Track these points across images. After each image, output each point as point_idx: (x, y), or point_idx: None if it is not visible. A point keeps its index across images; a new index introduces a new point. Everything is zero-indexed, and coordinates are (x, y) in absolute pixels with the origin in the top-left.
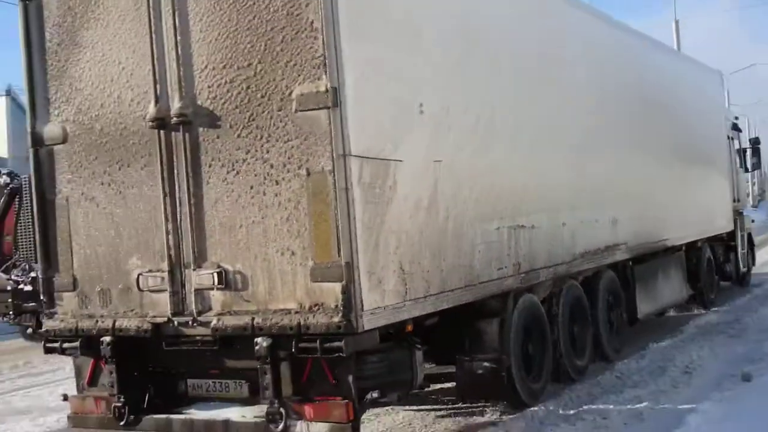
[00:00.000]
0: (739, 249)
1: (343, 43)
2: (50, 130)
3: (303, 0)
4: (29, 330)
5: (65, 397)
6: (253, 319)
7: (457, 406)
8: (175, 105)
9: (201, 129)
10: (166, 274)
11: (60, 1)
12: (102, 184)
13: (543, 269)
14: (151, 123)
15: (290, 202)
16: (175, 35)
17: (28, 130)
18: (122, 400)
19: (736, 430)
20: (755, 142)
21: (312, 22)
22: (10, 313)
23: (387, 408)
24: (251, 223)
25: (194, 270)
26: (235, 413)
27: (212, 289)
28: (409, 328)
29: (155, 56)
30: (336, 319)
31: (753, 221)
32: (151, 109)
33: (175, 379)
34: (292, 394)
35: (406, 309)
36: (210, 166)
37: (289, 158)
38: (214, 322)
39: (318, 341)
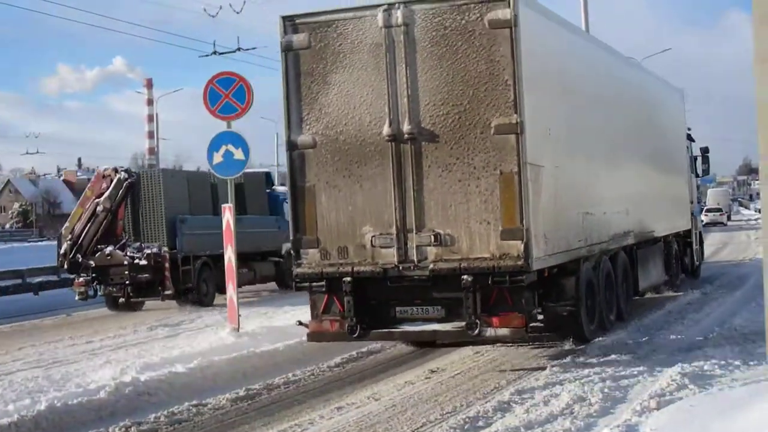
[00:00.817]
0: (694, 245)
1: (524, 94)
2: (303, 139)
3: (501, 66)
4: (121, 300)
5: (300, 323)
6: (459, 263)
7: (534, 343)
8: (405, 127)
9: (423, 143)
10: (393, 236)
11: (314, 53)
12: (343, 176)
13: (596, 245)
14: (386, 138)
15: (487, 191)
16: (406, 81)
17: (284, 139)
18: (354, 320)
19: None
20: (705, 151)
21: (506, 80)
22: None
23: (494, 345)
24: (458, 204)
25: (416, 233)
26: (435, 327)
27: (429, 245)
28: (546, 274)
29: (389, 94)
30: (519, 263)
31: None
32: (386, 129)
33: (387, 308)
34: (482, 312)
35: (546, 261)
36: (429, 167)
37: (487, 163)
38: (431, 266)
39: (507, 276)
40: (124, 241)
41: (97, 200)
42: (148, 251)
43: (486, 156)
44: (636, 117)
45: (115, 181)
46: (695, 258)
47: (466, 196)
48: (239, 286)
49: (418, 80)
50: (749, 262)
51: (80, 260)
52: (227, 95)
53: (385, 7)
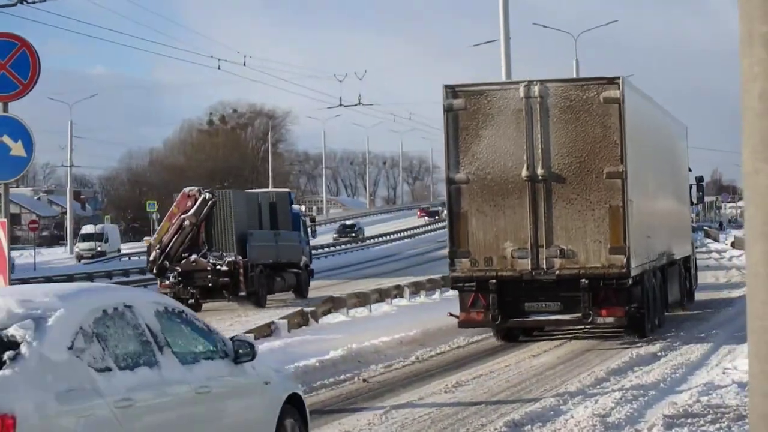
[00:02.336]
0: (692, 270)
1: (627, 150)
2: (459, 177)
3: (612, 130)
4: (191, 301)
5: (451, 314)
6: (579, 270)
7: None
8: (539, 171)
9: (552, 183)
10: (528, 250)
11: (469, 114)
12: (489, 205)
13: (652, 262)
14: (524, 178)
15: (600, 219)
16: (540, 137)
17: (445, 176)
18: (497, 311)
19: None
20: (699, 180)
21: (615, 141)
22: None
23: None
24: (577, 227)
25: (545, 248)
26: (557, 317)
27: (555, 257)
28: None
29: (527, 146)
30: (623, 271)
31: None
32: (524, 172)
33: (519, 303)
34: (594, 305)
35: (636, 270)
36: (556, 201)
37: (600, 199)
38: (557, 272)
39: (614, 280)
40: (204, 250)
41: (183, 216)
42: (228, 259)
43: (599, 194)
44: (666, 156)
45: (200, 200)
46: (693, 281)
47: (584, 222)
48: (275, 292)
49: (549, 137)
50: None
51: (167, 266)
52: (3, 66)
53: (526, 83)
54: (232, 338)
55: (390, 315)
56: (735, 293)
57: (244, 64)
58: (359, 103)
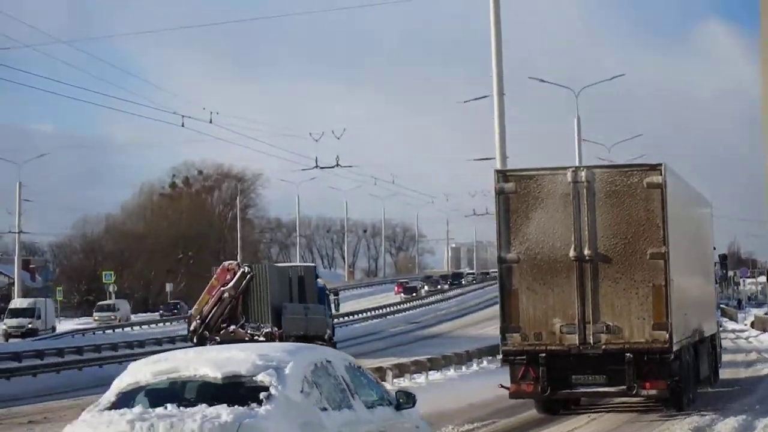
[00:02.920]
0: (718, 348)
1: (669, 232)
2: (510, 256)
3: (655, 214)
4: None
5: (501, 386)
6: (623, 345)
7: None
8: (586, 251)
9: (599, 263)
10: (576, 326)
11: (519, 197)
12: (539, 283)
13: (687, 338)
14: (572, 258)
15: (643, 296)
16: (588, 218)
17: (498, 255)
18: (546, 383)
19: None
20: (723, 258)
21: (658, 224)
22: None
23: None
24: (622, 305)
25: (592, 324)
26: (603, 389)
27: (602, 333)
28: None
29: (575, 228)
30: (666, 346)
31: None
32: (572, 252)
33: (566, 376)
34: (638, 378)
35: (677, 345)
36: (602, 279)
37: (644, 278)
38: (604, 347)
39: (657, 355)
40: (242, 321)
41: (222, 288)
42: (266, 330)
43: (643, 273)
44: (697, 235)
45: (239, 274)
46: (718, 359)
47: (629, 300)
48: None
49: (595, 219)
50: None
51: (207, 336)
52: None
53: (573, 169)
54: (396, 391)
55: None
56: (761, 371)
57: (210, 122)
58: (337, 165)
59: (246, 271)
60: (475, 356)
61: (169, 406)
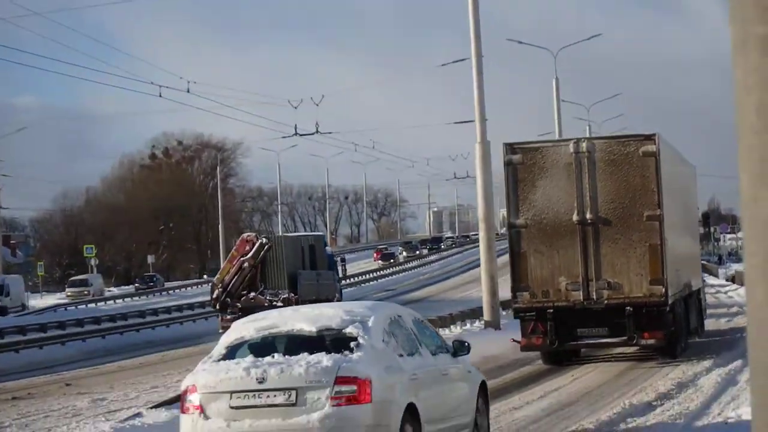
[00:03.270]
0: (703, 301)
1: (663, 196)
2: (519, 222)
3: (649, 180)
4: None
5: (513, 340)
6: (624, 300)
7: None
8: (588, 215)
9: (599, 225)
10: (580, 283)
11: (525, 167)
12: (545, 246)
13: (679, 292)
14: (575, 222)
15: (641, 255)
16: (589, 185)
17: (507, 221)
18: (554, 336)
19: None
20: (706, 217)
21: (653, 189)
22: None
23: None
24: (622, 263)
25: (594, 281)
26: (606, 340)
27: (603, 289)
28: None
29: (577, 194)
30: (662, 299)
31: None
32: (575, 216)
33: (572, 329)
34: (637, 329)
35: (671, 299)
36: (603, 241)
37: (641, 238)
38: (606, 302)
39: (654, 308)
40: (261, 288)
41: (242, 258)
42: (283, 296)
43: (640, 234)
44: (684, 197)
45: (257, 244)
46: (704, 312)
47: (627, 258)
48: None
49: (596, 186)
50: None
51: (229, 302)
52: None
53: (575, 140)
54: (453, 340)
55: None
56: (742, 323)
57: (188, 91)
58: (317, 132)
59: (264, 242)
60: (458, 319)
61: (276, 355)
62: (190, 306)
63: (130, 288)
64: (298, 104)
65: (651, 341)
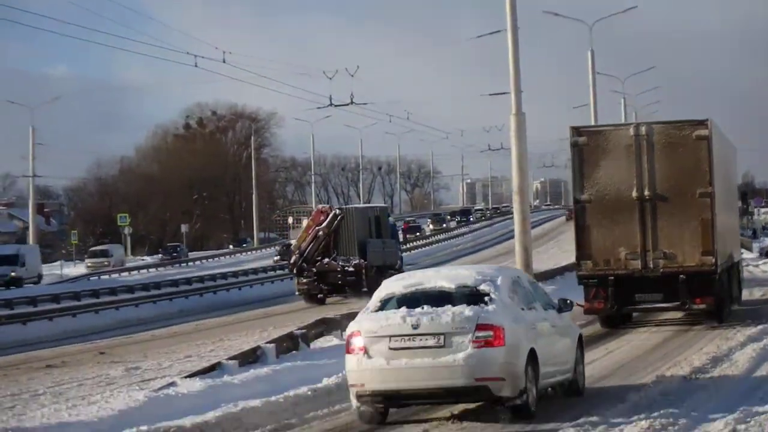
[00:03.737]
0: (742, 272)
1: (714, 175)
2: (584, 197)
3: (702, 160)
4: (320, 296)
5: (577, 303)
6: (678, 268)
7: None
8: (646, 192)
9: (657, 201)
10: (638, 253)
11: (590, 148)
12: (607, 219)
13: (726, 262)
14: (635, 198)
15: (694, 228)
16: (647, 165)
17: (573, 197)
18: (614, 301)
19: None
20: (744, 194)
21: (705, 169)
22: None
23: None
24: (677, 236)
25: (651, 252)
26: (661, 305)
27: (660, 258)
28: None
29: (637, 173)
30: (712, 268)
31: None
32: (634, 193)
33: (630, 295)
34: (689, 295)
35: (720, 268)
36: (660, 215)
37: (693, 214)
38: (662, 270)
39: (707, 276)
40: (334, 255)
41: (317, 227)
42: (354, 262)
43: (693, 210)
44: (728, 177)
45: (331, 215)
46: (742, 282)
47: (681, 231)
48: None
49: (654, 166)
50: None
51: (305, 267)
52: None
53: (635, 125)
54: (558, 299)
55: None
56: None
57: (224, 61)
58: (351, 102)
59: (337, 213)
60: None
61: (425, 306)
62: (223, 275)
63: (155, 259)
64: (333, 75)
65: (702, 306)
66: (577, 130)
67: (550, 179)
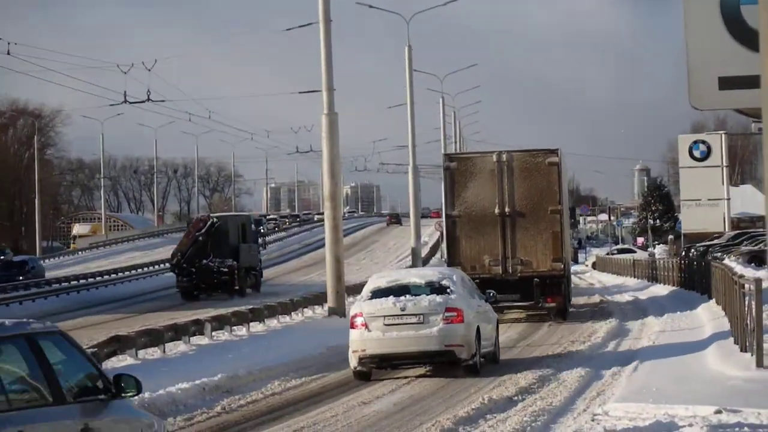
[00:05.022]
0: (571, 279)
1: (563, 196)
2: (454, 213)
3: (553, 183)
4: (195, 293)
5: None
6: (533, 273)
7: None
8: (506, 209)
9: (516, 217)
10: (499, 260)
11: (459, 172)
12: (474, 232)
13: (568, 267)
14: (497, 214)
15: (546, 240)
16: (508, 186)
17: (445, 213)
18: None
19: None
20: (572, 210)
21: (556, 190)
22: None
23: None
24: (531, 246)
25: (510, 259)
26: (518, 303)
27: (518, 265)
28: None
29: (498, 193)
30: (561, 273)
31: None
32: (497, 210)
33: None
34: (542, 295)
35: (567, 272)
36: (518, 228)
37: (546, 227)
38: (519, 275)
39: (557, 278)
40: (211, 257)
41: (197, 233)
42: (228, 263)
43: (545, 223)
44: (567, 195)
45: (209, 223)
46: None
47: (536, 242)
48: (251, 286)
49: (514, 187)
50: None
51: (185, 267)
52: None
53: (497, 152)
54: (485, 291)
55: (189, 356)
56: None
57: (8, 53)
58: (148, 99)
59: (214, 221)
60: (301, 305)
61: (407, 295)
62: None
63: None
64: (128, 69)
65: (553, 304)
66: (449, 157)
67: (362, 184)
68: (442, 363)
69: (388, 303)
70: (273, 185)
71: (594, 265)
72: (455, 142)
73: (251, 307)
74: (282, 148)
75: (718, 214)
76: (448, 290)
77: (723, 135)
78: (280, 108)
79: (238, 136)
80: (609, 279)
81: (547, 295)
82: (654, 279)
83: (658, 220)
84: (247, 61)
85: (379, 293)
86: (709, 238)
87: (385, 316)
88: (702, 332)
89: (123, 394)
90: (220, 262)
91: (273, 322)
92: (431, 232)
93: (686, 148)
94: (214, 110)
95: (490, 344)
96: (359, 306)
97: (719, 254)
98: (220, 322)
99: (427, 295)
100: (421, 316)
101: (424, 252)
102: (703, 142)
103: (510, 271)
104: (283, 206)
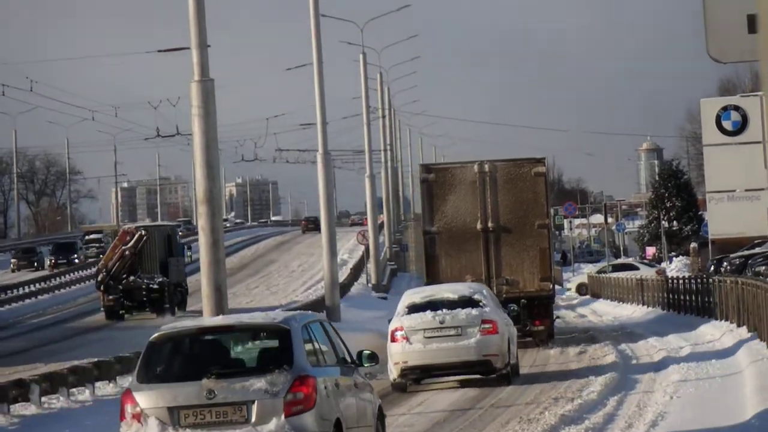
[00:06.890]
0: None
1: (549, 209)
2: (433, 229)
3: (539, 195)
4: (122, 312)
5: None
6: (519, 293)
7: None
8: (490, 224)
9: (500, 232)
10: (483, 280)
11: (438, 184)
12: (455, 249)
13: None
14: (479, 229)
15: (533, 257)
16: (491, 199)
17: (424, 229)
18: None
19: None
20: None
21: (543, 202)
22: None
23: None
24: (517, 264)
25: (495, 278)
26: None
27: (503, 285)
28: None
29: (481, 207)
30: (550, 293)
31: None
32: (479, 225)
33: None
34: (529, 318)
35: (555, 293)
36: (502, 245)
37: (533, 243)
38: (504, 295)
39: (545, 299)
40: (139, 273)
41: (124, 247)
42: (158, 279)
43: (532, 239)
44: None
45: (137, 235)
46: None
47: (522, 259)
48: (178, 304)
49: (497, 200)
50: None
51: (111, 284)
52: None
53: (479, 163)
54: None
55: None
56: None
57: None
58: None
59: (142, 233)
60: None
61: (443, 309)
62: None
63: None
64: None
65: (541, 327)
66: (426, 168)
67: (252, 180)
68: (479, 372)
69: (427, 317)
70: (125, 184)
71: (580, 289)
72: (384, 117)
73: (95, 360)
74: (137, 132)
75: (759, 211)
76: (480, 304)
77: (764, 97)
78: (134, 75)
79: (73, 115)
80: (605, 309)
81: (534, 318)
82: (669, 305)
83: (675, 222)
84: (88, 13)
85: (415, 308)
86: (747, 245)
87: (425, 329)
88: None
89: (366, 364)
90: (149, 278)
91: (128, 380)
92: (352, 246)
93: (713, 116)
94: (38, 79)
95: (513, 356)
96: (399, 320)
97: (764, 268)
98: (53, 383)
99: (462, 308)
100: (459, 329)
101: (343, 275)
102: (736, 108)
103: (495, 292)
104: (140, 213)
